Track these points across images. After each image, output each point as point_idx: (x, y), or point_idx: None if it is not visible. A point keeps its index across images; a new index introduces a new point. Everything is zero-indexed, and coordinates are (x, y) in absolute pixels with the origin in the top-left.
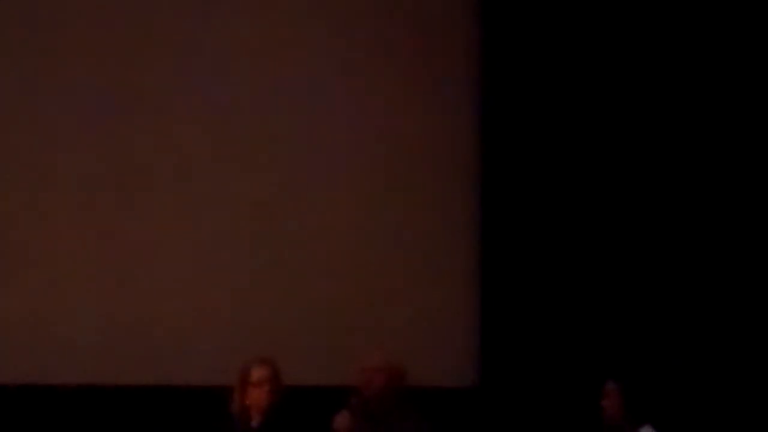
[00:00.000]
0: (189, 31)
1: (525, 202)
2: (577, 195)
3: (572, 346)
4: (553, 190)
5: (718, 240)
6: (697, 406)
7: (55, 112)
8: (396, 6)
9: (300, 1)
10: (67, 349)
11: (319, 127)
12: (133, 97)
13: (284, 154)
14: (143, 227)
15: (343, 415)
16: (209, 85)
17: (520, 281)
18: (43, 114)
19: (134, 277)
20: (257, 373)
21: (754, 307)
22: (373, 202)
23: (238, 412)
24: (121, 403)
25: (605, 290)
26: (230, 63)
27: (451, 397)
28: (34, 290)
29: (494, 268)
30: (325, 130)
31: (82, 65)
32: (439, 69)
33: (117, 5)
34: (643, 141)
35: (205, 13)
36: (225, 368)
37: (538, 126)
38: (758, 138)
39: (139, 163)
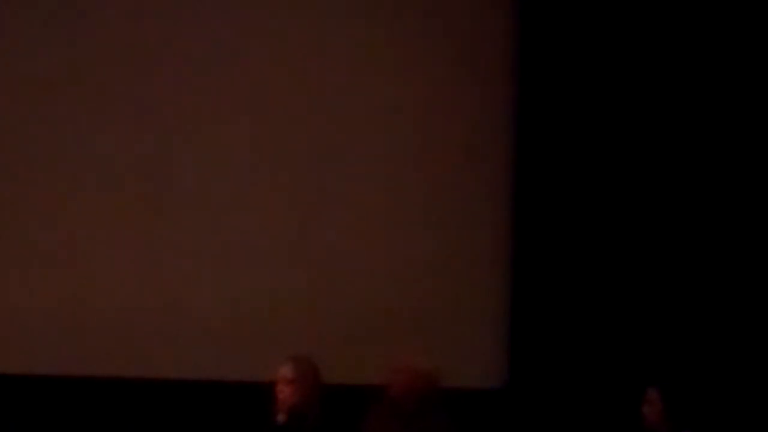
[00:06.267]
0: (228, 30)
1: (559, 200)
2: (613, 193)
3: (603, 349)
4: (587, 189)
5: (764, 245)
6: (740, 413)
7: (84, 107)
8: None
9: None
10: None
11: (352, 125)
12: (169, 93)
13: (319, 153)
14: (177, 223)
15: None
16: (245, 81)
17: (553, 281)
18: (71, 110)
19: (169, 273)
20: (280, 371)
21: None
22: (404, 202)
23: (275, 409)
24: (157, 397)
25: (640, 292)
26: (262, 60)
27: (480, 399)
28: (66, 283)
29: (526, 267)
30: (358, 129)
31: (112, 63)
32: (474, 67)
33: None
34: (683, 139)
35: (245, 11)
36: (259, 366)
37: (573, 122)
38: None
39: (175, 156)
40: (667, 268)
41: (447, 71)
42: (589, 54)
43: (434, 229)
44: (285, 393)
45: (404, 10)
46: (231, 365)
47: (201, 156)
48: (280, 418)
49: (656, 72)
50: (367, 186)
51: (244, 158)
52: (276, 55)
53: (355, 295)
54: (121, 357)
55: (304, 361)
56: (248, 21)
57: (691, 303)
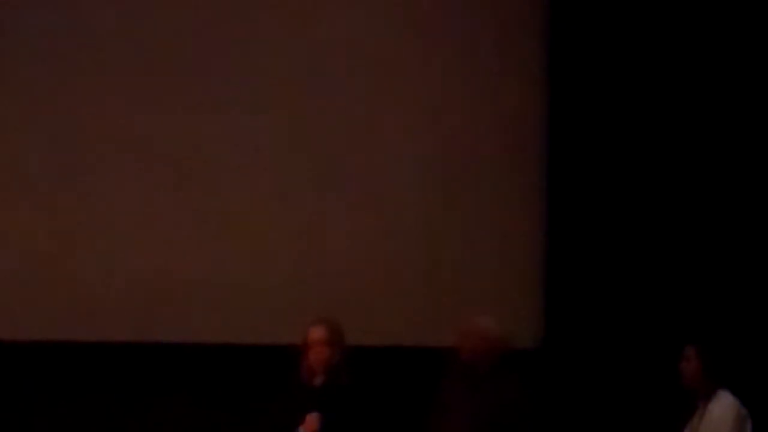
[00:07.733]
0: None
1: (592, 160)
2: (647, 153)
3: (639, 308)
4: (621, 149)
5: None
6: None
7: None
8: None
9: None
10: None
11: (390, 93)
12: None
13: (360, 116)
14: (211, 187)
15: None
16: (275, 75)
17: (588, 240)
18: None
19: (206, 238)
20: (312, 334)
21: None
22: (442, 165)
23: (305, 371)
24: (195, 361)
25: (676, 251)
26: (289, 57)
27: (516, 359)
28: (99, 250)
29: (561, 227)
30: (397, 98)
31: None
32: (507, 54)
33: None
34: (717, 115)
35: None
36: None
37: (606, 92)
38: None
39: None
40: (704, 224)
41: (480, 68)
42: (621, 52)
43: (470, 194)
44: (324, 354)
45: (437, 10)
46: (268, 328)
47: (240, 113)
48: (317, 379)
49: (688, 70)
50: (406, 155)
51: (286, 125)
52: (302, 51)
53: (393, 255)
54: (171, 323)
55: (334, 322)
56: (280, 17)
57: (729, 261)
